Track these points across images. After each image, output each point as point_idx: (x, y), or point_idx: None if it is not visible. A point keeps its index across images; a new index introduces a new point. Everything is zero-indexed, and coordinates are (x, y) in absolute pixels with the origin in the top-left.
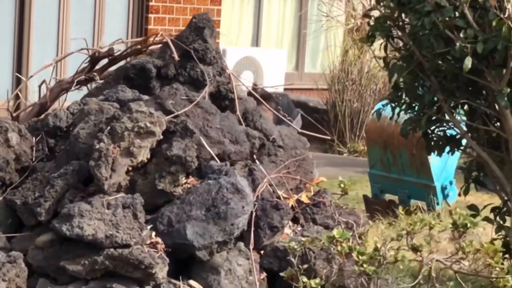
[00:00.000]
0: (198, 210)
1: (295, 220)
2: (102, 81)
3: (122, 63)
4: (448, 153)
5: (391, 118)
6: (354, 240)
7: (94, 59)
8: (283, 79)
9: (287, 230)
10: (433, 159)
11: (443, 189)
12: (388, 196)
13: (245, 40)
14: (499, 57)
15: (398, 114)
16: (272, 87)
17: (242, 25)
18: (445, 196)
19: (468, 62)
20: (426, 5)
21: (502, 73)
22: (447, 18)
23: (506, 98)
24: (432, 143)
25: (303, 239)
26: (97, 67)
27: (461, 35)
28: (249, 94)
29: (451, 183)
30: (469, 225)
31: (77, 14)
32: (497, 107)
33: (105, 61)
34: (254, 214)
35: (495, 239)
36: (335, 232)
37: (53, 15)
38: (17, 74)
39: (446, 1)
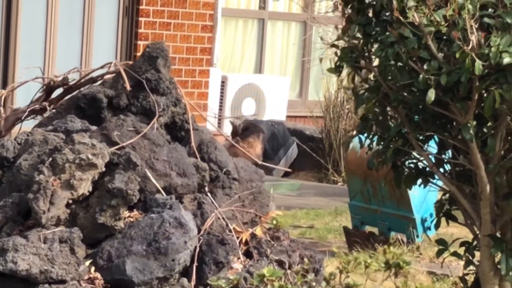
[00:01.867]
0: (139, 245)
1: (248, 255)
2: (54, 111)
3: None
4: (419, 186)
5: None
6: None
7: (49, 88)
8: (286, 106)
9: (238, 265)
10: (413, 191)
11: (423, 221)
12: (368, 228)
13: (248, 67)
14: (463, 90)
15: (369, 146)
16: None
17: (245, 52)
18: (425, 229)
19: (431, 94)
20: (390, 36)
21: (468, 106)
22: (411, 49)
23: (471, 131)
24: (403, 175)
25: (230, 277)
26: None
27: (425, 66)
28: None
29: (431, 215)
30: (401, 264)
31: (64, 41)
32: None
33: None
34: (198, 249)
35: (467, 274)
36: (265, 270)
37: (39, 44)
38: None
39: (410, 32)
